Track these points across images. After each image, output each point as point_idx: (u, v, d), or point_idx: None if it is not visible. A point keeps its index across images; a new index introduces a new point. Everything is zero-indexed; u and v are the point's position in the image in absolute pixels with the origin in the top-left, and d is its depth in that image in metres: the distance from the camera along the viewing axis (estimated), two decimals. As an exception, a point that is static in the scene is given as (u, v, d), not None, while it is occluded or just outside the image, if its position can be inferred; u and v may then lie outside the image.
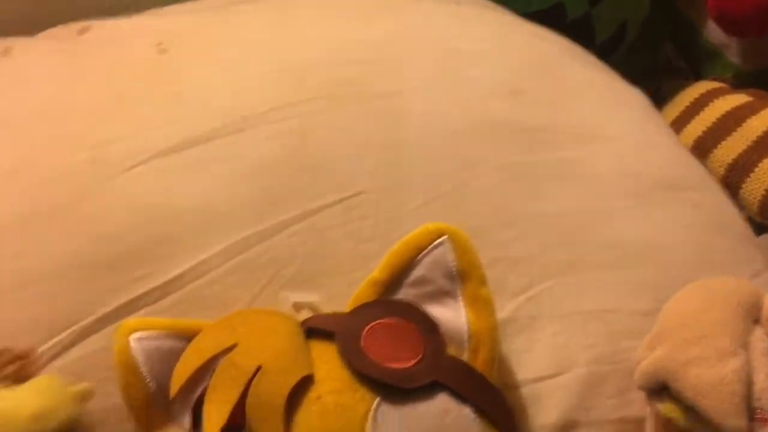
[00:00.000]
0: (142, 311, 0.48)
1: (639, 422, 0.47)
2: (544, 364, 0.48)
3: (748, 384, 0.42)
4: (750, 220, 0.59)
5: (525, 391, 0.48)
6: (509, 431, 0.43)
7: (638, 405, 0.47)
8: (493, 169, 0.53)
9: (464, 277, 0.46)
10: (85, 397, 0.39)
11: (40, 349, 0.47)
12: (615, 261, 0.51)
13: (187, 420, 0.44)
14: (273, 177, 0.51)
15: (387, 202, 0.51)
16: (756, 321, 0.45)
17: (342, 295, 0.47)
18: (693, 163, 0.59)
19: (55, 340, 0.47)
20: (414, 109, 0.54)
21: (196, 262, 0.49)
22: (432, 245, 0.46)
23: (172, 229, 0.49)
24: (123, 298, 0.48)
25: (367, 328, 0.43)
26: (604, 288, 0.50)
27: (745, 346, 0.43)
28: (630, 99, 0.61)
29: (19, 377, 0.39)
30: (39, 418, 0.37)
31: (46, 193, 0.50)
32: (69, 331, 0.47)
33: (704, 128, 0.62)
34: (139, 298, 0.48)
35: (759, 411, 0.42)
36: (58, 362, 0.46)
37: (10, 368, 0.39)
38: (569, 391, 0.48)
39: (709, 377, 0.41)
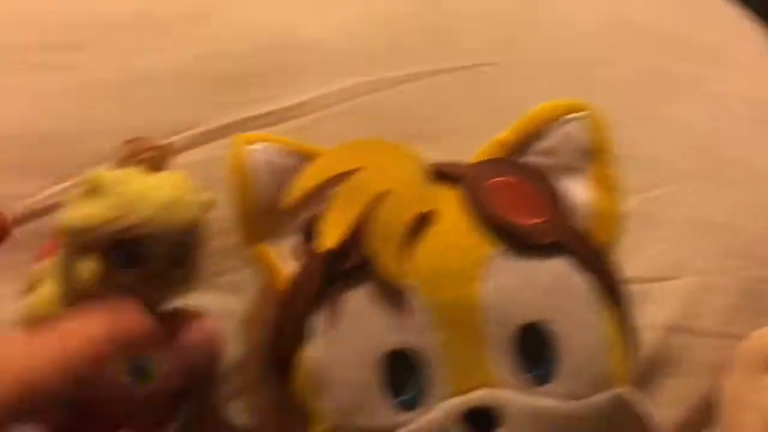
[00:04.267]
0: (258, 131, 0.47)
1: (740, 339, 0.46)
2: (655, 265, 0.47)
3: None
4: None
5: (633, 288, 0.46)
6: (625, 310, 0.41)
7: (742, 326, 0.46)
8: (628, 67, 0.53)
9: (595, 155, 0.44)
10: (208, 206, 0.38)
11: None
12: (740, 179, 0.50)
13: (289, 241, 0.43)
14: (404, 30, 0.51)
15: (514, 78, 0.51)
16: None
17: (455, 157, 0.46)
18: None
19: (169, 141, 0.46)
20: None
21: (316, 95, 0.48)
22: (567, 118, 0.44)
23: (297, 59, 0.49)
24: (241, 115, 0.47)
25: (493, 180, 0.42)
26: (725, 203, 0.49)
27: None
28: (757, 34, 0.60)
29: (156, 165, 0.37)
30: (170, 206, 0.35)
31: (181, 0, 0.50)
32: (183, 135, 0.47)
33: None
34: (256, 117, 0.47)
35: None
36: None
37: (148, 154, 0.37)
38: (677, 297, 0.47)
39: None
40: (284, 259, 0.43)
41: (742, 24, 0.60)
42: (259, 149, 0.42)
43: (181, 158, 0.45)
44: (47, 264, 0.39)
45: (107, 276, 0.35)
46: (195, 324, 0.38)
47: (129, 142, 0.38)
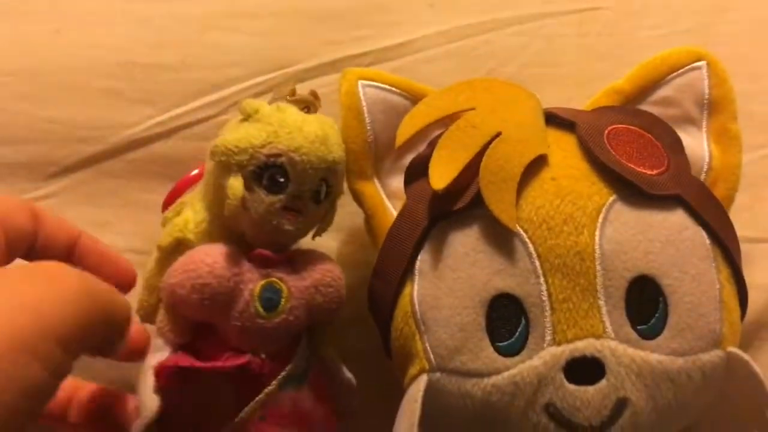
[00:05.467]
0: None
1: None
2: (765, 226, 0.45)
3: None
4: None
5: (741, 247, 0.45)
6: (738, 269, 0.40)
7: None
8: (745, 18, 0.50)
9: (716, 107, 0.42)
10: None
11: (252, 81, 0.47)
12: None
13: (395, 180, 0.43)
14: None
15: (626, 23, 0.49)
16: None
17: (562, 103, 0.44)
18: None
19: (268, 76, 0.47)
20: None
21: (415, 36, 0.48)
22: (688, 67, 0.42)
23: None
24: (340, 53, 0.47)
25: (611, 127, 0.40)
26: None
27: None
28: None
29: (308, 106, 0.39)
30: (319, 141, 0.37)
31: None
32: (280, 72, 0.47)
33: None
34: (356, 56, 0.47)
35: None
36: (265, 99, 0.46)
37: (304, 96, 0.39)
38: None
39: None
40: (390, 199, 0.42)
41: None
42: (371, 85, 0.42)
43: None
44: (191, 193, 0.40)
45: (253, 198, 0.36)
46: (324, 266, 0.39)
47: (286, 84, 0.40)
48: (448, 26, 0.48)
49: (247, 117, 0.37)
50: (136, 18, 0.48)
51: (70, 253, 0.38)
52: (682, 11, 0.50)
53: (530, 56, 0.48)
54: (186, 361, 0.37)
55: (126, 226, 0.45)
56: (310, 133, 0.37)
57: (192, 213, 0.39)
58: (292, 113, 0.37)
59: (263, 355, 0.37)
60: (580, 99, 0.44)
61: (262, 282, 0.37)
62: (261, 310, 0.37)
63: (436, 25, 0.48)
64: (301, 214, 0.38)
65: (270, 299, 0.37)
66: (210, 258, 0.36)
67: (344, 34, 0.48)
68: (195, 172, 0.42)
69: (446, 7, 0.49)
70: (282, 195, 0.37)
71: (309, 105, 0.39)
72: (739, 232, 0.45)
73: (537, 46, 0.49)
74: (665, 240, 0.38)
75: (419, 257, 0.39)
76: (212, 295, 0.36)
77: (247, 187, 0.36)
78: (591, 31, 0.49)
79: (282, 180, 0.36)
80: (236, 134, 0.37)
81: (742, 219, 0.45)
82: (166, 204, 0.41)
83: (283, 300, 0.37)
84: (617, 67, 0.46)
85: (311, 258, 0.39)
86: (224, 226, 0.38)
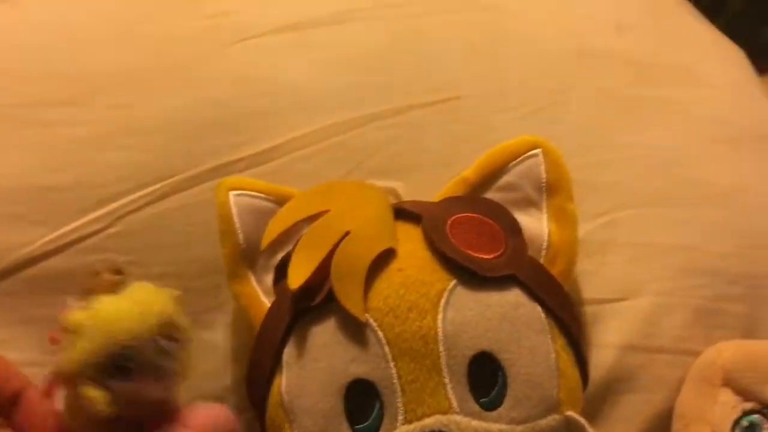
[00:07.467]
0: (236, 176, 0.50)
1: (696, 355, 0.48)
2: (611, 287, 0.49)
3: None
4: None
5: (589, 309, 0.49)
6: (574, 338, 0.44)
7: (697, 343, 0.48)
8: (591, 95, 0.54)
9: (552, 190, 0.47)
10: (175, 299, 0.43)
11: (138, 194, 0.50)
12: (699, 200, 0.52)
13: (268, 278, 0.47)
14: (375, 69, 0.53)
15: (484, 109, 0.53)
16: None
17: (426, 189, 0.48)
18: None
19: (153, 188, 0.50)
20: (517, 27, 0.56)
21: (290, 137, 0.51)
22: (526, 155, 0.47)
23: (272, 103, 0.51)
24: (219, 161, 0.50)
25: (453, 217, 0.45)
26: (684, 224, 0.51)
27: None
28: (731, 55, 0.61)
29: (116, 288, 0.43)
30: (142, 315, 0.41)
31: (161, 51, 0.53)
32: (164, 183, 0.50)
33: None
34: (234, 162, 0.50)
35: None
36: (151, 209, 0.49)
37: (107, 283, 0.43)
38: (632, 317, 0.49)
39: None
40: (264, 296, 0.46)
41: (714, 44, 0.61)
42: (241, 193, 0.46)
43: (169, 203, 0.50)
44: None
45: (114, 394, 0.41)
46: (211, 412, 0.43)
47: (91, 274, 0.43)
48: (318, 126, 0.51)
49: (74, 332, 0.41)
50: (37, 143, 0.51)
51: None
52: (534, 92, 0.53)
53: (397, 146, 0.51)
54: None
55: (24, 342, 0.48)
56: (129, 313, 0.41)
57: None
58: (106, 305, 0.41)
59: None
60: (441, 185, 0.48)
61: None
62: None
63: (306, 127, 0.51)
64: (162, 378, 0.42)
65: None
66: None
67: (224, 140, 0.51)
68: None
69: (315, 108, 0.52)
70: (135, 374, 0.41)
71: (117, 284, 0.42)
72: (587, 295, 0.50)
73: (404, 137, 0.52)
74: (502, 317, 0.42)
75: (286, 350, 0.43)
76: None
77: (104, 388, 0.40)
78: (451, 118, 0.52)
79: (129, 363, 0.41)
80: (73, 353, 0.41)
81: (589, 283, 0.50)
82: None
83: None
84: (476, 148, 0.49)
85: (196, 412, 0.43)
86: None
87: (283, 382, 0.42)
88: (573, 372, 0.43)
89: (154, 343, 0.41)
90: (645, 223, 0.51)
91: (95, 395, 0.40)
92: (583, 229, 0.48)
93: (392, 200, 0.48)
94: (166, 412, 0.43)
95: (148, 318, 0.41)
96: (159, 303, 0.42)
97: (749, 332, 0.50)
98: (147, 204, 0.50)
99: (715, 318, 0.50)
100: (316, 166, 0.51)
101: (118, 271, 0.43)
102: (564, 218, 0.46)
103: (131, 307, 0.41)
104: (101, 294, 0.42)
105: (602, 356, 0.48)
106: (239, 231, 0.46)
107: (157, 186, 0.50)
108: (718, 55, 0.60)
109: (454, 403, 0.40)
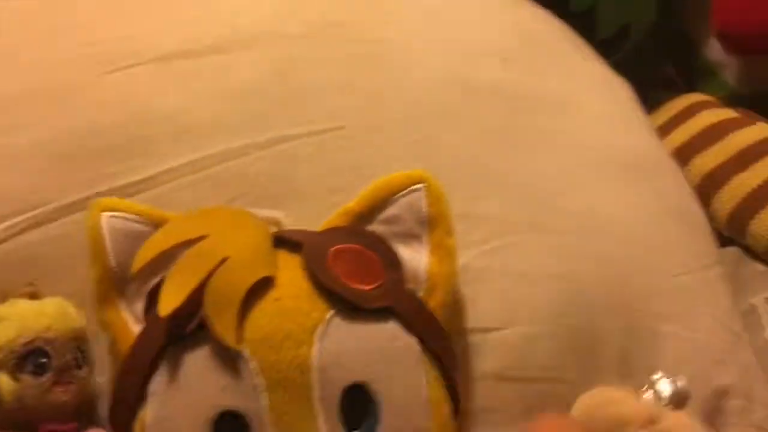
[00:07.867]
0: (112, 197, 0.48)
1: (570, 384, 0.48)
2: (488, 316, 0.50)
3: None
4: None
5: (467, 339, 0.49)
6: (449, 370, 0.44)
7: (569, 371, 0.50)
8: (469, 126, 0.55)
9: (433, 224, 0.47)
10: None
11: (14, 220, 0.48)
12: (574, 229, 0.53)
13: (139, 305, 0.45)
14: (254, 100, 0.52)
15: (362, 140, 0.53)
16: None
17: (309, 220, 0.48)
18: (665, 154, 0.62)
19: (28, 215, 0.48)
20: (401, 58, 0.56)
21: (167, 167, 0.50)
22: (410, 189, 0.48)
23: (149, 133, 0.50)
24: (93, 190, 0.49)
25: (334, 247, 0.44)
26: (558, 253, 0.52)
27: None
28: (614, 86, 0.63)
29: (34, 296, 0.45)
30: (61, 316, 0.44)
31: (37, 78, 0.51)
32: (39, 210, 0.48)
33: (688, 137, 0.65)
34: (108, 192, 0.49)
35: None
36: (28, 237, 0.48)
37: (24, 293, 0.45)
38: (507, 346, 0.49)
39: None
40: (135, 325, 0.44)
41: (595, 76, 0.63)
42: (115, 215, 0.45)
43: (43, 232, 0.48)
44: None
45: (24, 386, 0.42)
46: None
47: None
48: (197, 155, 0.50)
49: None
50: None
51: None
52: (412, 123, 0.54)
53: (276, 177, 0.51)
54: None
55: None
56: (50, 312, 0.43)
57: None
58: (25, 303, 0.44)
59: None
60: (319, 216, 0.48)
61: None
62: None
63: (184, 156, 0.50)
64: (72, 383, 0.43)
65: None
66: None
67: (99, 170, 0.49)
68: None
69: (191, 137, 0.51)
70: (49, 373, 0.42)
71: (34, 293, 0.45)
72: (465, 324, 0.50)
73: (283, 168, 0.51)
74: (377, 349, 0.42)
75: (155, 379, 0.41)
76: None
77: (15, 379, 0.42)
78: (329, 148, 0.52)
79: (44, 360, 0.42)
80: None
81: (467, 312, 0.50)
82: None
83: None
84: (354, 180, 0.49)
85: None
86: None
87: (148, 414, 0.41)
88: (445, 404, 0.43)
89: (71, 347, 0.43)
90: (519, 252, 0.51)
91: (4, 383, 0.42)
92: (463, 258, 0.48)
93: (274, 229, 0.47)
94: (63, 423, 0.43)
95: (68, 321, 0.44)
96: (75, 314, 0.44)
97: (623, 360, 0.51)
98: (22, 232, 0.48)
99: (590, 346, 0.51)
100: (195, 196, 0.49)
101: (31, 284, 0.45)
102: (443, 252, 0.47)
103: (53, 309, 0.44)
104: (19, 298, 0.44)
105: (478, 387, 0.48)
106: (110, 254, 0.44)
107: (33, 213, 0.48)
108: (601, 85, 0.62)
109: (326, 436, 0.40)
